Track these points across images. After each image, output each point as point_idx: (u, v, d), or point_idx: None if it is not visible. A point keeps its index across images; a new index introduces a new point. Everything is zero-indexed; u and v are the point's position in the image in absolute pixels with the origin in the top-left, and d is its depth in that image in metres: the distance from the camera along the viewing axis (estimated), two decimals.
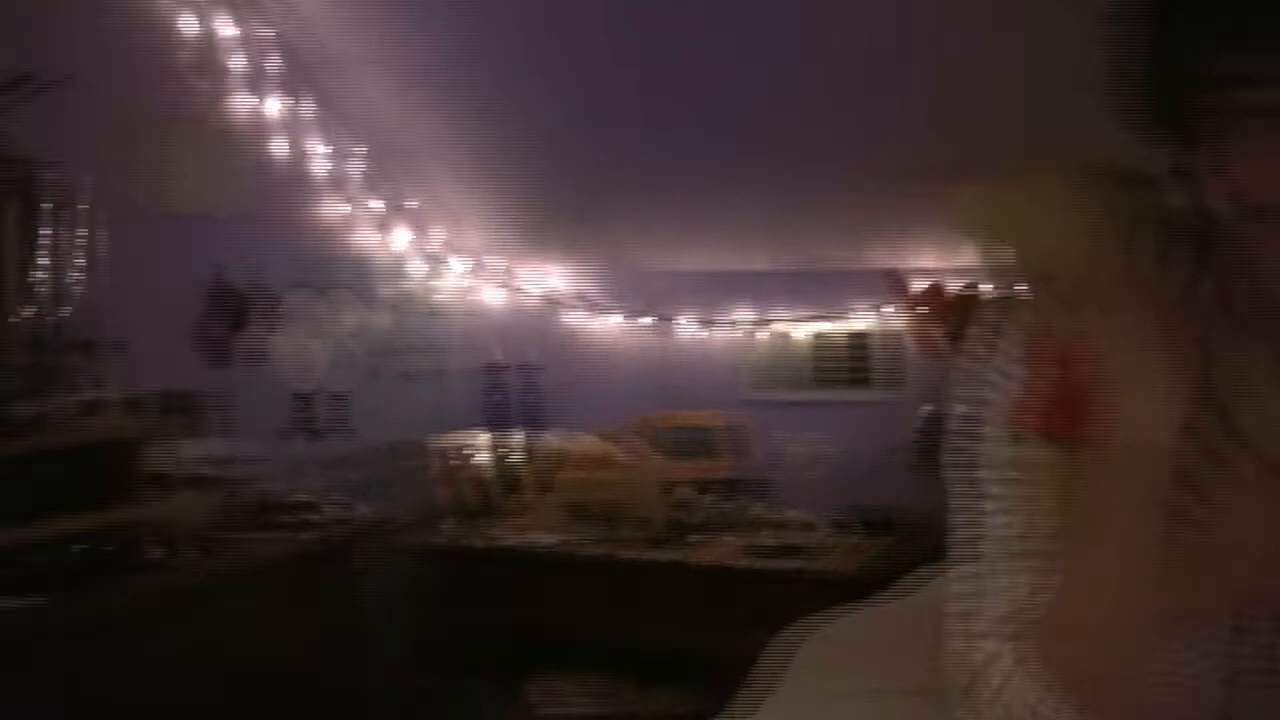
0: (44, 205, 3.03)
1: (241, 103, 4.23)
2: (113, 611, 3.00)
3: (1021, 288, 1.25)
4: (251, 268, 4.23)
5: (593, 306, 5.05)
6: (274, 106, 4.30)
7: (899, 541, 4.29)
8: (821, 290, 4.72)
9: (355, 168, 4.59)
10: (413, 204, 4.84)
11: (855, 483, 4.50)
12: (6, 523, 2.86)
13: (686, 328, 4.89)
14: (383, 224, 4.76)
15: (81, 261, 3.11)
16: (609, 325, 5.03)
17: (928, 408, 4.32)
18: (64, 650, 2.85)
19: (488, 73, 4.37)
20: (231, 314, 4.17)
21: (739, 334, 4.83)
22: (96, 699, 2.87)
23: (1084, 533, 1.17)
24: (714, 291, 4.85)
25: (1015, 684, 1.19)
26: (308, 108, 4.39)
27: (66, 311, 3.10)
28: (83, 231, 3.09)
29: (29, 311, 3.02)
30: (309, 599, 3.56)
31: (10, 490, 2.90)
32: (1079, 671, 1.15)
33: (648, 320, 4.95)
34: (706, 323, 4.87)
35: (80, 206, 3.09)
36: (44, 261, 3.05)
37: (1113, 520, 1.14)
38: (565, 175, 4.66)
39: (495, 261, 5.13)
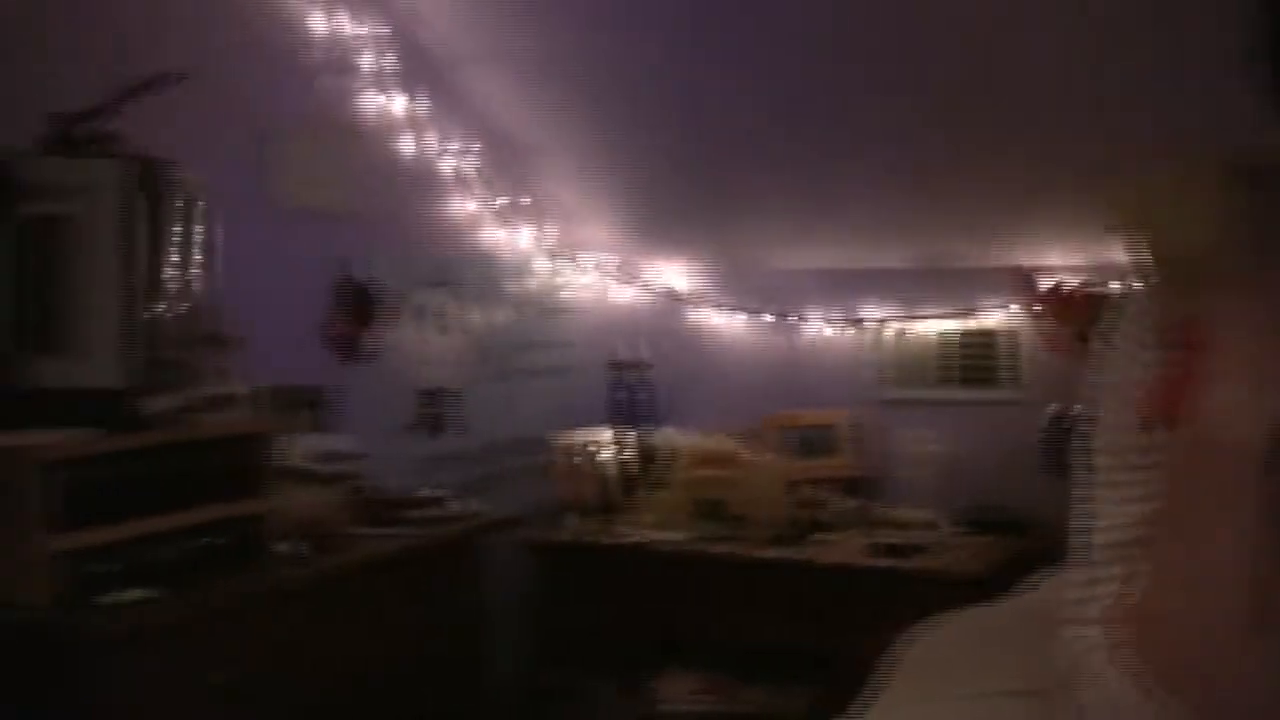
0: (173, 202, 3.08)
1: (365, 100, 4.27)
2: (236, 604, 3.03)
3: (1156, 277, 1.23)
4: (376, 265, 4.27)
5: (716, 304, 5.04)
6: (394, 104, 4.34)
7: (1023, 542, 4.24)
8: (949, 288, 4.66)
9: (477, 165, 4.62)
10: (533, 201, 4.86)
11: (979, 482, 4.45)
12: (135, 515, 2.91)
13: (811, 325, 4.87)
14: (505, 221, 4.78)
15: (208, 258, 3.15)
16: (732, 323, 5.02)
17: (1054, 407, 4.26)
18: (188, 642, 2.89)
19: (610, 68, 4.37)
20: (356, 310, 4.21)
21: (864, 332, 4.79)
22: (218, 691, 2.92)
23: (1183, 520, 1.15)
24: (839, 289, 4.82)
25: (1109, 671, 1.17)
26: (427, 105, 4.42)
27: (194, 307, 3.15)
28: (209, 229, 3.14)
29: (159, 307, 3.06)
30: (431, 594, 3.59)
31: (139, 483, 2.95)
32: (1170, 660, 1.14)
33: (771, 318, 4.92)
34: (831, 321, 4.83)
35: (206, 204, 3.14)
36: (173, 258, 3.09)
37: (1213, 508, 1.12)
38: (690, 171, 4.66)
39: (617, 259, 5.13)
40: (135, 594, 2.81)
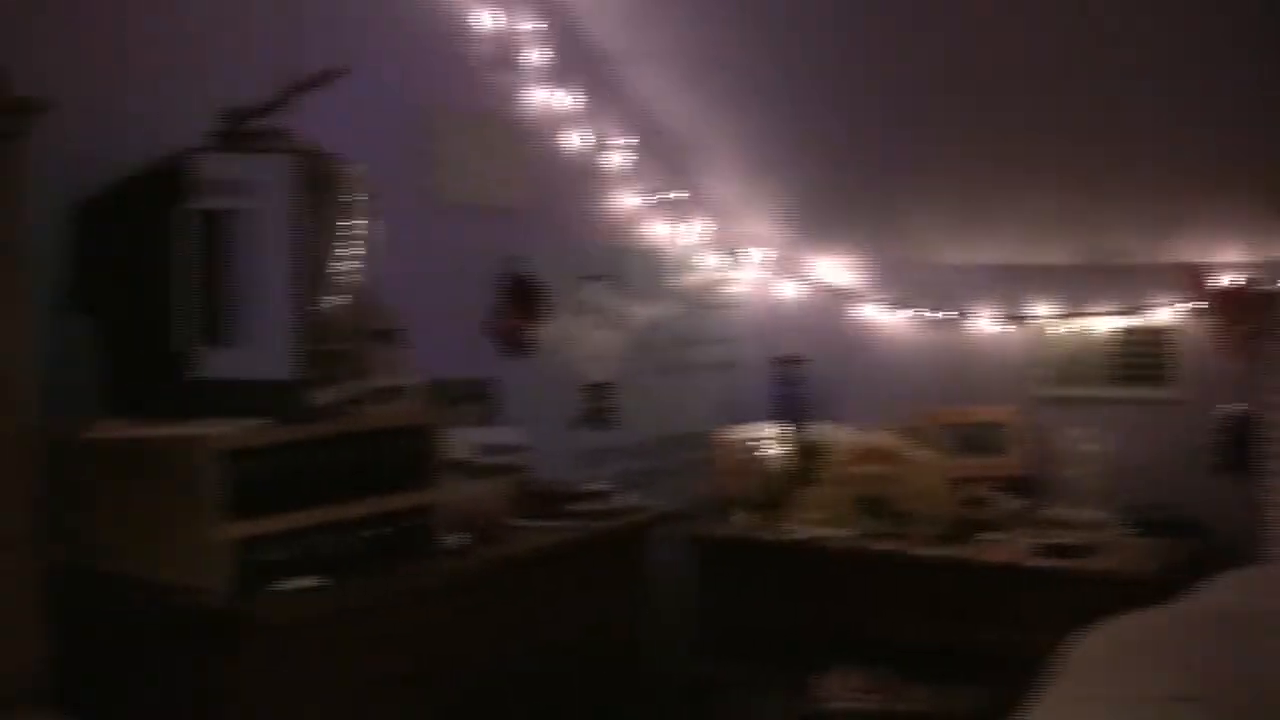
0: (340, 197, 3.13)
1: (527, 96, 4.30)
2: (402, 595, 3.07)
3: None
4: (540, 259, 4.30)
5: (878, 299, 5.00)
6: (556, 99, 4.36)
7: (1194, 543, 4.15)
8: (1116, 285, 4.58)
9: (637, 160, 4.63)
10: (695, 196, 4.86)
11: (1145, 482, 4.36)
12: (306, 506, 2.96)
13: (975, 322, 4.81)
14: (667, 216, 4.79)
15: (374, 252, 3.19)
16: (895, 319, 4.98)
17: (1227, 407, 4.17)
18: (354, 631, 2.93)
19: (773, 63, 4.36)
20: (520, 304, 4.25)
21: (1029, 329, 4.72)
22: (384, 679, 2.96)
23: None
24: (1004, 285, 4.75)
25: None
26: (587, 100, 4.44)
27: (361, 301, 3.19)
28: (374, 223, 3.18)
29: (327, 300, 3.11)
30: (593, 587, 3.60)
31: (310, 474, 3.00)
32: None
33: (935, 314, 4.87)
34: (996, 317, 4.77)
35: (372, 198, 3.18)
36: (340, 252, 3.14)
37: None
38: (853, 167, 4.63)
39: (780, 254, 5.12)
40: (304, 583, 2.86)
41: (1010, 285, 4.73)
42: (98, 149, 3.10)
